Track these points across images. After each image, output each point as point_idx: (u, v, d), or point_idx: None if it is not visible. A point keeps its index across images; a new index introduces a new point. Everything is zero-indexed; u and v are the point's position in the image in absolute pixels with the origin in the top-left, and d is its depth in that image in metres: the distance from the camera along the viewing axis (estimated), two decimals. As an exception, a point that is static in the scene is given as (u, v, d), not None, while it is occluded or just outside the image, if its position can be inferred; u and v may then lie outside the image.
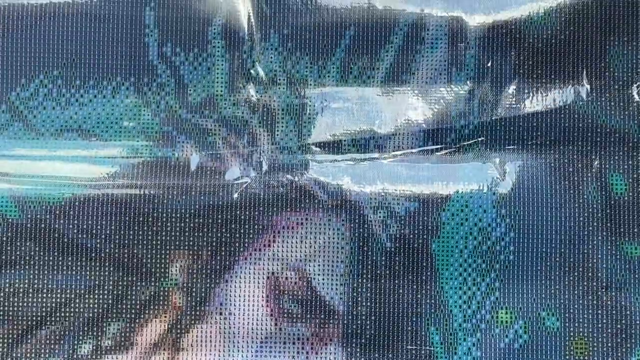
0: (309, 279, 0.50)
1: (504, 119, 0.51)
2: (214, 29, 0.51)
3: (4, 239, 0.49)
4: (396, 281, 0.49)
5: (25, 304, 0.49)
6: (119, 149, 0.50)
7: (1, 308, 0.49)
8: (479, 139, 0.50)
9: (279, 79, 0.51)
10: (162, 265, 0.49)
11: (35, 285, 0.49)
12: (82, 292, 0.49)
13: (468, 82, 0.51)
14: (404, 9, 0.51)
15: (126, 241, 0.50)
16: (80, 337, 0.49)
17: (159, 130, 0.51)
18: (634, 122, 0.50)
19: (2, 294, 0.49)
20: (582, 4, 0.51)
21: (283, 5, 0.51)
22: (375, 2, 0.51)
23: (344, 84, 0.51)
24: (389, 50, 0.51)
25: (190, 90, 0.51)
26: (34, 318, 0.49)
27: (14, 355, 0.48)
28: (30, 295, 0.49)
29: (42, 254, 0.49)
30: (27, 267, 0.49)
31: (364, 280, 0.50)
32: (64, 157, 0.50)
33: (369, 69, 0.51)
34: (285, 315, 0.49)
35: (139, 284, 0.49)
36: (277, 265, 0.50)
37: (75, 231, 0.49)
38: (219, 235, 0.50)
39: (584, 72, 0.51)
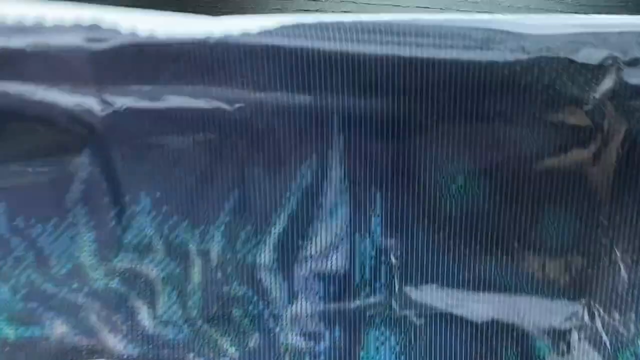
0: None
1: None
2: (72, 195, 0.43)
3: None
4: None
5: None
6: (-20, 331, 0.45)
7: None
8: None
9: (155, 245, 0.44)
10: None
11: None
12: None
13: (373, 251, 0.44)
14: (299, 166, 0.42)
15: None
16: None
17: (24, 307, 0.45)
18: None
19: None
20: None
21: (151, 165, 0.42)
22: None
23: (230, 249, 0.44)
24: (281, 215, 0.43)
25: (53, 261, 0.44)
26: None
27: None
28: None
29: None
30: None
31: None
32: None
33: (259, 233, 0.44)
34: None
35: None
36: None
37: None
38: None
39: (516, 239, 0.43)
